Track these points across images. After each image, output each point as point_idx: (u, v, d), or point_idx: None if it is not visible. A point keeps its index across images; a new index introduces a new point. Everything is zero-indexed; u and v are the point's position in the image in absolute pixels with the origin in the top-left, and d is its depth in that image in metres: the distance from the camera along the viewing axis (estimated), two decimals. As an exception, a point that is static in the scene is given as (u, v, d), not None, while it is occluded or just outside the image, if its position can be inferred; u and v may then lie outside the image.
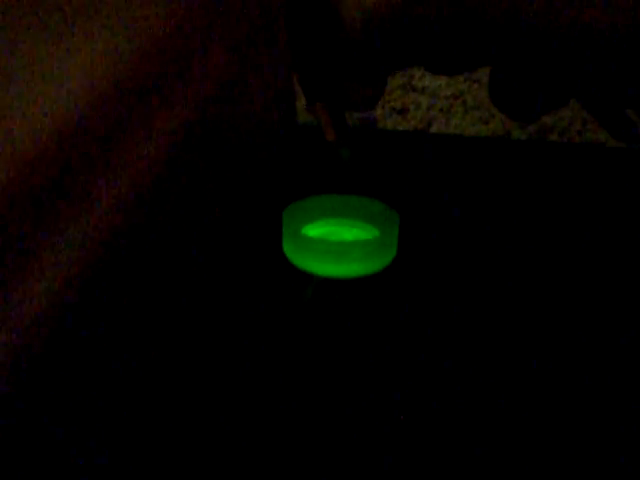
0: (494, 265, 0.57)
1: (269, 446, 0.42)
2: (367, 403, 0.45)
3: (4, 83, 0.26)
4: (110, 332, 0.51)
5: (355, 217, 0.56)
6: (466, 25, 0.33)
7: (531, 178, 0.69)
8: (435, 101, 1.11)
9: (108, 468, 0.41)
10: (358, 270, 0.52)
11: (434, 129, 1.08)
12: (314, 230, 0.56)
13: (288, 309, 0.53)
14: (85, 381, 0.47)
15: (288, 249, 0.53)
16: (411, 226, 0.56)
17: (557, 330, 0.51)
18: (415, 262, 0.56)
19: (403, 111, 1.15)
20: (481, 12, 0.32)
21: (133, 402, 0.45)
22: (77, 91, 0.30)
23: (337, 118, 0.45)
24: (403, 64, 0.39)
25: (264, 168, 0.69)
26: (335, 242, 0.54)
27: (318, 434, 0.43)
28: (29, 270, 0.29)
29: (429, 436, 0.43)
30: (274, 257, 0.54)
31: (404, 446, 0.43)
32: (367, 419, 0.44)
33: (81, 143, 0.31)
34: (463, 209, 0.64)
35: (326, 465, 0.41)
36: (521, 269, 0.56)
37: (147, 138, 0.35)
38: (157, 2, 0.34)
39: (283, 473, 0.41)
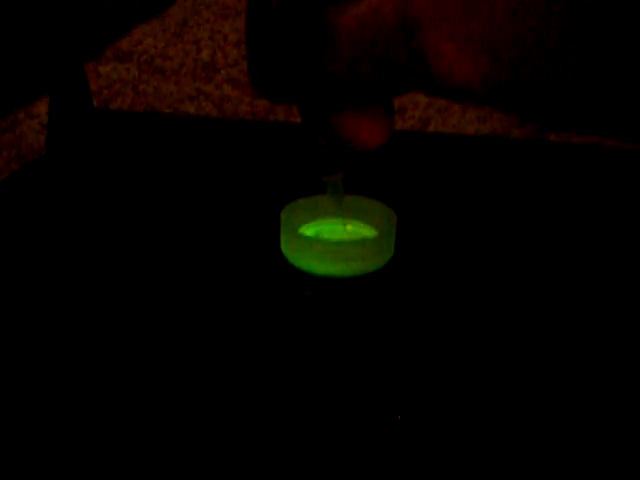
0: (492, 264, 0.57)
1: (269, 445, 0.42)
2: (364, 401, 0.45)
3: None
4: (109, 333, 0.51)
5: (353, 217, 0.56)
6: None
7: (529, 177, 0.69)
8: (433, 100, 1.11)
9: (107, 468, 0.41)
10: (356, 269, 0.53)
11: (432, 128, 1.08)
12: (312, 230, 0.56)
13: (286, 308, 0.53)
14: (87, 380, 0.47)
15: (286, 248, 0.54)
16: (409, 226, 0.56)
17: (555, 328, 0.51)
18: (413, 261, 0.56)
19: (400, 110, 1.15)
20: None
21: (133, 403, 0.45)
22: None
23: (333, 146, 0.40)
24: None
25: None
26: (333, 241, 0.54)
27: (317, 433, 0.43)
28: None
29: (427, 435, 0.43)
30: (272, 256, 0.54)
31: (402, 445, 0.43)
32: (366, 418, 0.44)
33: None
34: (461, 209, 0.64)
35: (325, 464, 0.41)
36: (519, 268, 0.57)
37: None
38: None
39: (283, 473, 0.41)
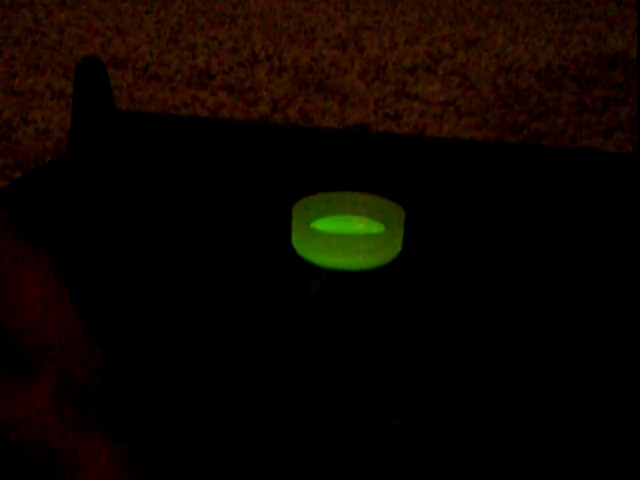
0: (493, 260, 0.58)
1: (274, 433, 0.44)
2: (372, 392, 0.47)
3: None
4: (116, 325, 0.52)
5: (362, 213, 0.58)
6: None
7: (525, 183, 0.70)
8: (428, 108, 1.13)
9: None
10: (364, 263, 0.54)
11: (427, 134, 1.10)
12: (322, 225, 0.57)
13: (296, 299, 0.54)
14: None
15: (297, 242, 0.55)
16: (417, 222, 0.57)
17: (553, 324, 0.52)
18: (420, 256, 0.57)
19: (396, 117, 1.17)
20: None
21: (137, 398, 0.47)
22: None
23: None
24: None
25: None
26: (342, 235, 0.55)
27: (324, 424, 0.44)
28: None
29: (430, 431, 0.44)
30: (283, 250, 0.56)
31: (403, 442, 0.44)
32: (372, 410, 0.45)
33: None
34: (464, 209, 0.66)
35: (326, 459, 0.43)
36: (516, 264, 0.58)
37: None
38: None
39: (283, 470, 0.42)
